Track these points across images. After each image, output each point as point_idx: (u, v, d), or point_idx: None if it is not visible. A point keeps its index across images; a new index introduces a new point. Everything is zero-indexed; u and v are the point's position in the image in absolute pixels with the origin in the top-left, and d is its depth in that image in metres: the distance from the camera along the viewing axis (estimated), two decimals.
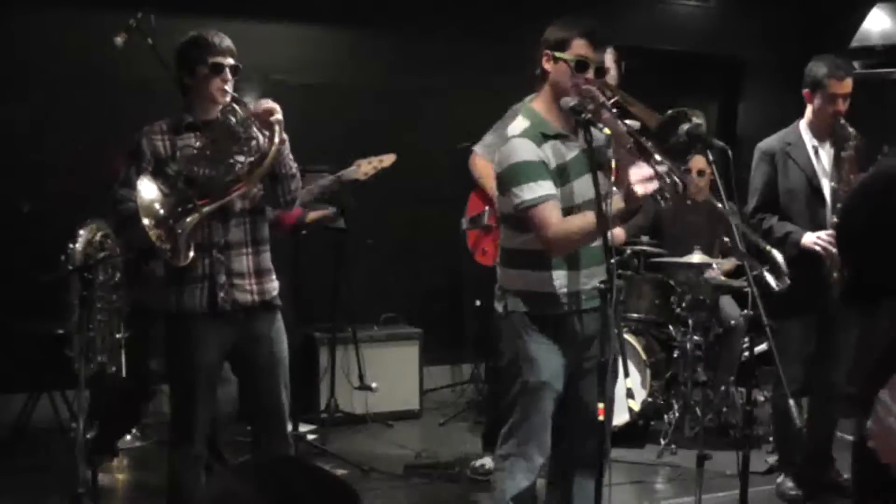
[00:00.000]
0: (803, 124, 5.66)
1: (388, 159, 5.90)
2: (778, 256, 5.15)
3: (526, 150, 4.11)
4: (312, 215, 6.14)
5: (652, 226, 7.56)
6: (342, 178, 5.84)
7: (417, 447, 6.73)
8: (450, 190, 7.67)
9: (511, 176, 4.12)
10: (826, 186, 5.56)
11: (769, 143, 5.73)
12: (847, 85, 5.50)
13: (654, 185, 3.89)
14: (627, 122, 4.15)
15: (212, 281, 4.33)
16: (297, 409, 6.08)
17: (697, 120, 4.06)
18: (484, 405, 7.20)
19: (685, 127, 4.01)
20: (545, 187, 4.07)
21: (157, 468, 5.56)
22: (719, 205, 4.64)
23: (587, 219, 4.01)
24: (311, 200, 5.94)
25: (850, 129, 5.46)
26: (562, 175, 4.15)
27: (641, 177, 3.90)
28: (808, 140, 5.62)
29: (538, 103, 4.28)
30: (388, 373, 7.37)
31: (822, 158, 5.61)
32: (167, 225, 4.13)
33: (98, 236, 6.13)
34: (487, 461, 6.04)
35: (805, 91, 5.60)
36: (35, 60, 6.91)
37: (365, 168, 5.83)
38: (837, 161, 5.54)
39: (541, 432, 4.26)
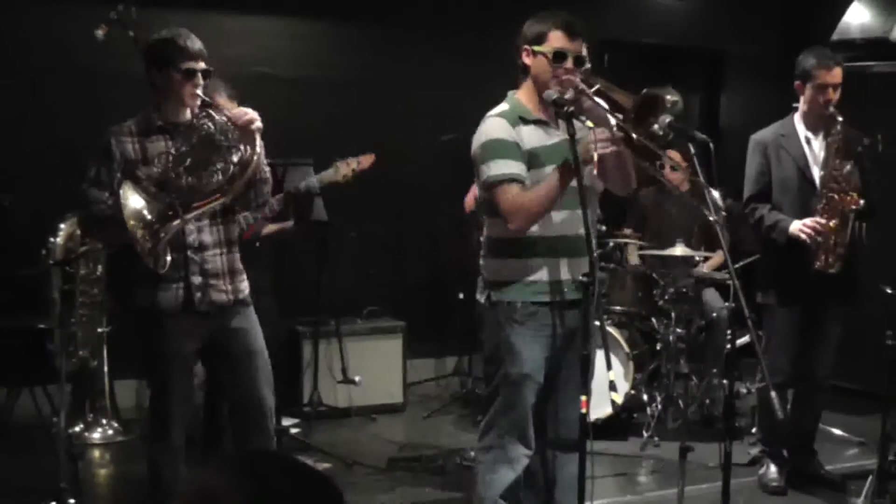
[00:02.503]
0: (797, 116, 5.72)
1: (366, 160, 5.80)
2: (714, 193, 5.20)
3: (498, 129, 4.19)
4: (270, 227, 5.94)
5: (636, 219, 7.58)
6: (322, 181, 5.76)
7: (401, 440, 6.73)
8: (433, 182, 7.69)
9: (482, 153, 4.21)
10: (817, 178, 5.59)
11: (763, 134, 5.78)
12: (836, 74, 5.55)
13: (610, 149, 4.01)
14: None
15: (187, 281, 4.33)
16: (280, 402, 6.05)
17: (672, 97, 4.07)
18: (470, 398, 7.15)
19: (666, 120, 4.01)
20: (512, 166, 4.14)
21: (138, 462, 5.55)
22: (693, 200, 4.67)
23: (541, 187, 4.10)
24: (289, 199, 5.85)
25: (839, 118, 5.49)
26: (535, 159, 4.20)
27: (600, 137, 4.00)
28: (802, 131, 5.68)
29: (521, 93, 4.35)
30: (371, 366, 7.36)
31: (815, 150, 5.65)
32: (152, 229, 4.13)
33: (79, 230, 6.11)
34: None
35: (797, 83, 5.65)
36: (15, 53, 6.87)
37: (344, 170, 5.72)
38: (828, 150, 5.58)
39: (522, 424, 4.27)
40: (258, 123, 4.25)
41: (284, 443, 6.18)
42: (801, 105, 5.70)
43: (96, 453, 6.42)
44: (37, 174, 6.80)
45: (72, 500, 4.84)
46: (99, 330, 6.44)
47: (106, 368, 6.57)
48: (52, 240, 6.04)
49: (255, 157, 4.25)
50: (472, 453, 6.07)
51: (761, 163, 5.71)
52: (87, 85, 6.91)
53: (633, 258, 7.44)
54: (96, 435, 6.54)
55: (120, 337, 6.46)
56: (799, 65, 5.63)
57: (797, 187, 5.63)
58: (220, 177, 4.25)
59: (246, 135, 4.25)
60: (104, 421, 6.59)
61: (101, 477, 6.20)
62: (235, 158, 4.26)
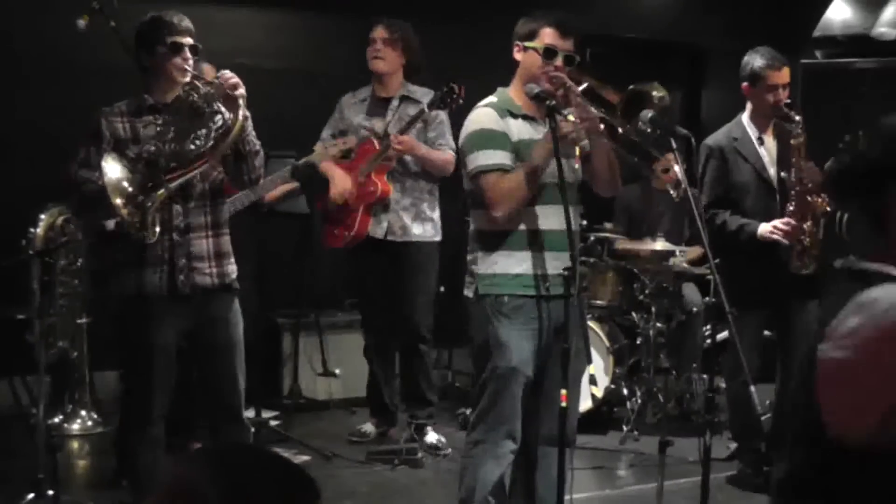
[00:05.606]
0: (745, 118, 5.71)
1: (350, 140, 5.96)
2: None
3: (486, 119, 4.22)
4: (273, 193, 6.14)
5: (622, 216, 7.59)
6: (309, 161, 5.86)
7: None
8: None
9: (469, 143, 4.23)
10: (774, 178, 5.60)
11: (716, 138, 5.77)
12: (785, 74, 5.56)
13: (588, 124, 4.09)
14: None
15: (171, 264, 4.33)
16: (259, 394, 6.07)
17: (658, 93, 4.09)
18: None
19: (648, 115, 4.03)
20: (499, 156, 4.16)
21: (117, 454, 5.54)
22: (673, 192, 4.69)
23: (519, 170, 4.14)
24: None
25: (797, 117, 5.49)
26: (520, 152, 4.21)
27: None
28: (753, 133, 5.68)
29: (511, 88, 4.37)
30: (351, 359, 7.33)
31: (767, 150, 5.66)
32: (136, 201, 4.13)
33: (59, 221, 6.10)
34: None
35: (744, 85, 5.64)
36: None
37: (332, 150, 5.86)
38: (784, 150, 5.57)
39: (510, 418, 4.26)
40: (242, 90, 4.26)
41: (263, 435, 6.16)
42: (749, 106, 5.70)
43: (75, 444, 6.40)
44: (16, 164, 6.77)
45: (50, 492, 4.82)
46: (79, 321, 6.41)
47: (86, 359, 6.54)
48: (31, 230, 6.01)
49: (238, 122, 4.24)
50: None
51: (718, 168, 5.69)
52: (68, 74, 6.88)
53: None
54: (75, 426, 6.51)
55: (100, 328, 6.44)
56: (745, 67, 5.61)
57: (755, 189, 5.63)
58: (203, 142, 4.26)
59: (229, 101, 4.26)
60: (83, 412, 6.56)
61: (80, 468, 6.20)
62: (218, 124, 4.27)
